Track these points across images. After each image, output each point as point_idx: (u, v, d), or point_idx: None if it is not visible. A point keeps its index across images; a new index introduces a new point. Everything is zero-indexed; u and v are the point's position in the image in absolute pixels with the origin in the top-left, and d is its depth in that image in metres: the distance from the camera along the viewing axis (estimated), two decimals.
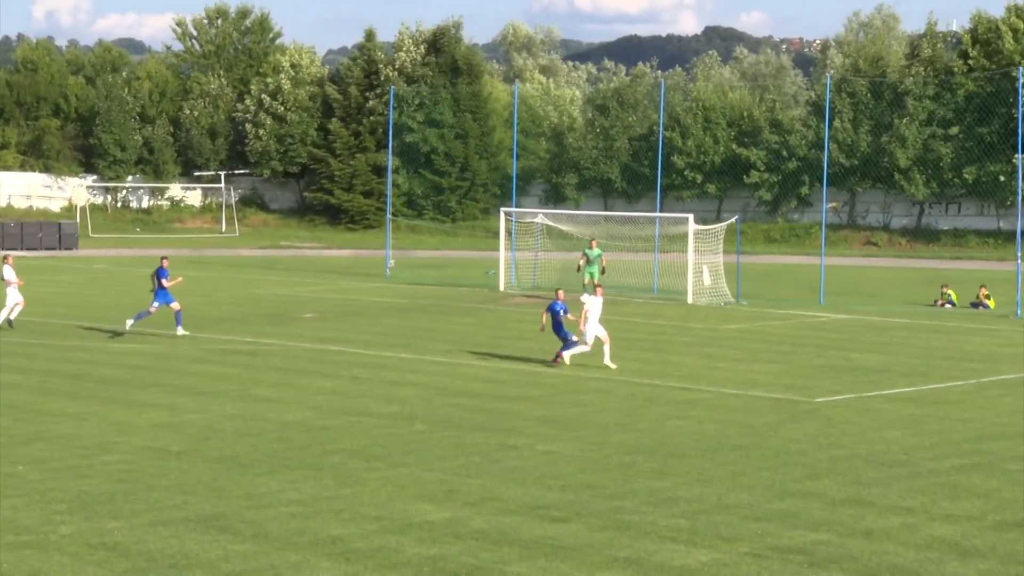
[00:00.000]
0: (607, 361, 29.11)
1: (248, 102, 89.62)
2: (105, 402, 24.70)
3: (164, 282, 33.98)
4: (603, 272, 45.15)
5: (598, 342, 29.34)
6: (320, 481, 18.43)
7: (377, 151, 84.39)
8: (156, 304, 34.16)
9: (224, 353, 31.56)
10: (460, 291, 48.46)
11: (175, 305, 34.22)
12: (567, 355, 29.47)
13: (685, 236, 46.65)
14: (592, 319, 29.21)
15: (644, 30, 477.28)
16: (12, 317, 35.66)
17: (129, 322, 34.10)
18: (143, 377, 27.67)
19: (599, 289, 30.41)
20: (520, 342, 34.09)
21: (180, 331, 34.03)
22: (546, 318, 29.97)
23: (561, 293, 30.51)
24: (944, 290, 45.72)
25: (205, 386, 26.48)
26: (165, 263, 34.78)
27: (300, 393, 25.79)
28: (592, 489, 18.07)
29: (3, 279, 36.37)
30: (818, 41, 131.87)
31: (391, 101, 65.73)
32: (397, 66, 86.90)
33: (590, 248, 45.60)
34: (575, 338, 29.42)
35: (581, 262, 45.46)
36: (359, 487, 18.13)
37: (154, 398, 25.09)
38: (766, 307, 44.00)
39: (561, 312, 29.67)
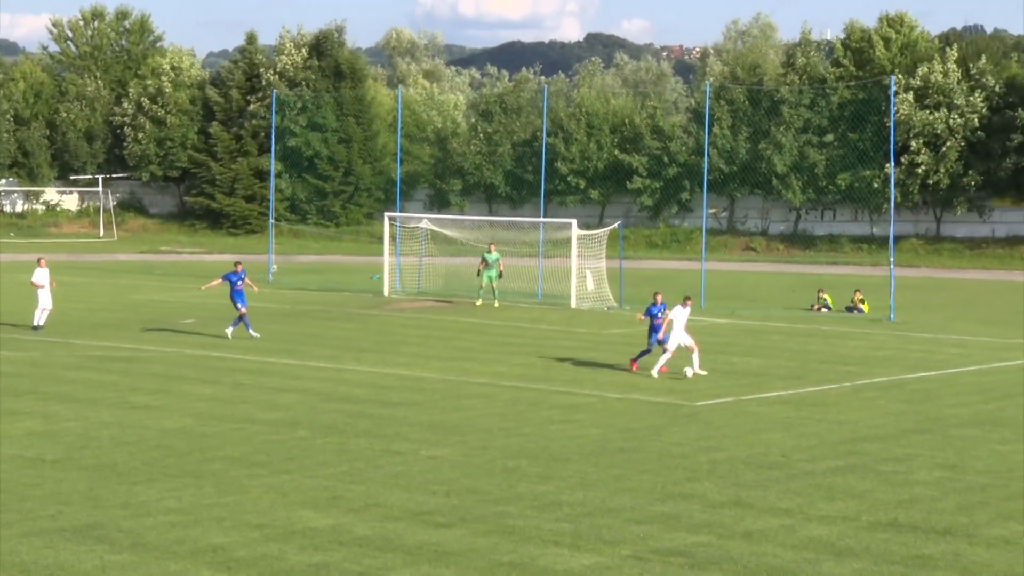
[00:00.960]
0: (697, 369, 28.91)
1: (127, 105, 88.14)
2: None
3: (240, 284, 35.69)
4: (500, 276, 45.37)
5: (677, 350, 29.14)
6: (201, 489, 18.20)
7: (259, 155, 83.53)
8: (241, 305, 35.39)
9: (101, 360, 31.00)
10: (344, 296, 48.20)
11: (243, 308, 35.53)
12: (655, 370, 29.04)
13: (569, 241, 46.96)
14: (678, 327, 29.23)
15: (527, 36, 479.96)
16: (40, 322, 36.73)
17: (229, 330, 35.30)
18: (16, 385, 27.05)
19: (688, 300, 30.20)
20: (404, 347, 34.02)
21: (253, 334, 35.32)
22: (643, 320, 29.96)
23: (659, 296, 30.31)
24: (820, 294, 46.62)
25: (81, 393, 25.99)
26: (239, 267, 36.40)
27: (180, 400, 25.44)
28: (476, 494, 18.10)
29: (33, 282, 37.41)
30: (698, 49, 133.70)
31: (273, 105, 65.15)
32: (279, 69, 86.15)
33: (489, 252, 45.66)
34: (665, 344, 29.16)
35: (480, 266, 45.61)
36: (241, 494, 17.94)
37: (28, 406, 24.55)
38: None
39: (659, 314, 29.54)
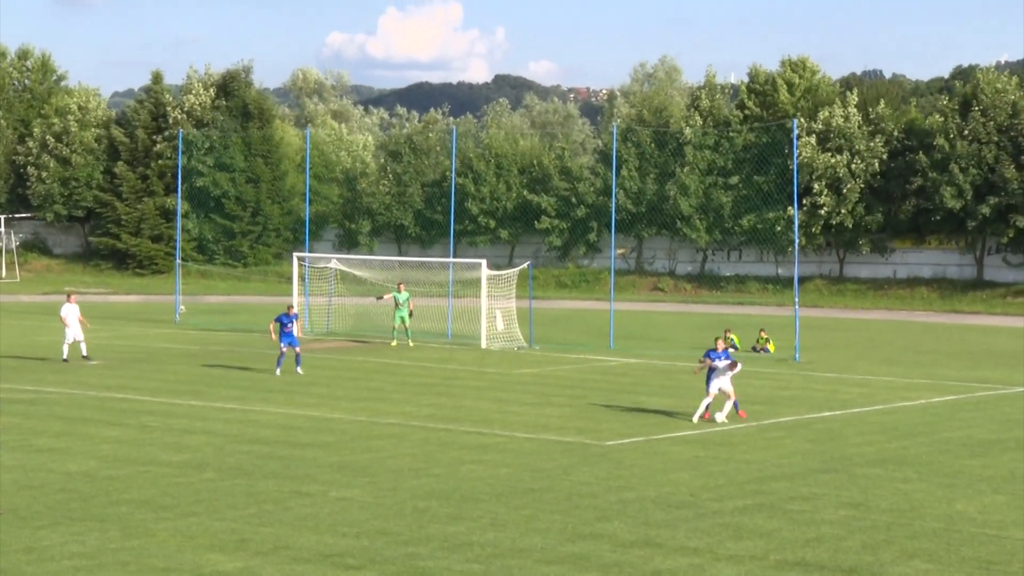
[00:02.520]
0: (723, 416, 28.64)
1: (30, 144, 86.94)
2: None
3: (291, 326, 37.05)
4: (411, 315, 45.34)
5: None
6: (106, 533, 17.91)
7: (166, 195, 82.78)
8: (286, 345, 36.73)
9: (3, 403, 30.39)
10: (252, 337, 47.79)
11: (298, 348, 37.10)
12: (719, 416, 28.83)
13: (478, 281, 47.06)
14: (723, 374, 29.02)
15: (435, 77, 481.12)
16: (66, 357, 39.07)
17: (277, 371, 36.53)
18: None
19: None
20: (313, 388, 33.80)
21: (299, 371, 36.78)
22: (704, 365, 29.17)
23: (720, 343, 29.80)
24: (727, 334, 47.10)
25: None
26: (292, 311, 37.94)
27: (85, 442, 25.03)
28: (386, 535, 18.01)
29: (60, 316, 39.97)
30: (605, 91, 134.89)
31: (180, 144, 64.65)
32: (186, 109, 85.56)
33: (398, 292, 45.66)
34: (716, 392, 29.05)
35: (385, 297, 45.88)
36: (147, 538, 17.68)
37: None
38: (558, 351, 44.65)
39: (720, 361, 28.87)
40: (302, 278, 51.59)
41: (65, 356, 39.25)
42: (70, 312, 39.70)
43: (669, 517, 19.39)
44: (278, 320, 37.23)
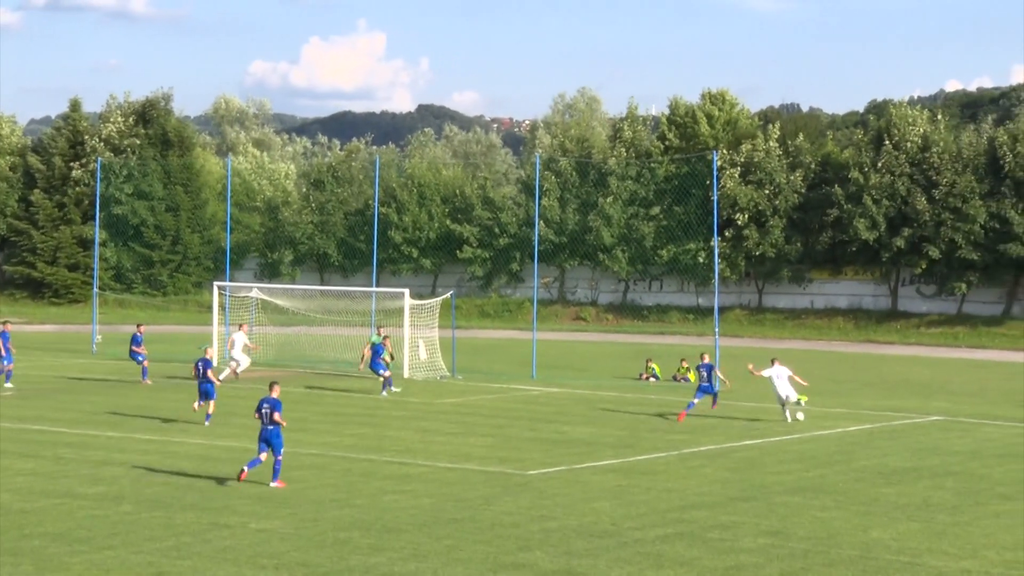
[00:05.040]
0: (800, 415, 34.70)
1: None
2: None
3: (384, 356, 40.57)
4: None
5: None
6: (19, 567, 17.60)
7: (83, 223, 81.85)
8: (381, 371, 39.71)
9: None
10: (172, 366, 47.27)
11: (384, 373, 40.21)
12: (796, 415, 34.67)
13: (402, 310, 46.94)
14: (784, 382, 34.42)
15: (359, 106, 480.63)
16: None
17: (383, 393, 39.54)
18: None
19: (776, 360, 35.32)
20: (234, 418, 33.48)
21: (395, 389, 40.26)
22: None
23: (707, 357, 36.55)
24: (648, 364, 47.44)
25: None
26: (387, 340, 41.22)
27: None
28: (307, 567, 17.88)
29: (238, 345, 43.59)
30: (527, 121, 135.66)
31: (98, 172, 63.98)
32: (104, 136, 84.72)
33: (377, 336, 42.28)
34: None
35: (366, 353, 41.41)
36: (62, 572, 17.40)
37: None
38: (481, 381, 44.64)
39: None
40: (223, 307, 51.15)
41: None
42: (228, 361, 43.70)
43: (591, 546, 19.44)
44: (373, 348, 40.18)
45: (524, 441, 30.52)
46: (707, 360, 36.28)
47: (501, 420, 34.44)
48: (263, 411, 24.17)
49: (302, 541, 19.46)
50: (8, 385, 39.85)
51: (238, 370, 43.44)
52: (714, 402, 36.72)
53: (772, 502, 23.13)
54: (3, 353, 40.20)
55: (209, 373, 33.03)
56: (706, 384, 35.47)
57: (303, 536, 19.81)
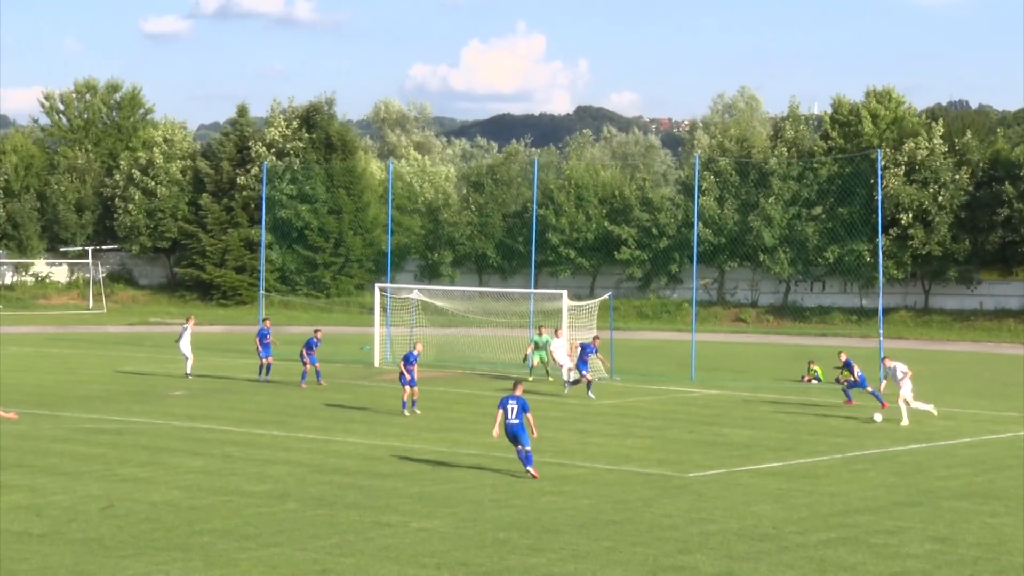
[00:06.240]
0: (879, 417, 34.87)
1: (117, 176, 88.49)
2: None
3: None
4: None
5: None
6: (189, 563, 18.07)
7: (250, 226, 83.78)
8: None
9: (89, 432, 30.84)
10: (335, 367, 48.08)
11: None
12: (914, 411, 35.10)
13: (559, 312, 46.97)
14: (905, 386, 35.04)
15: (517, 108, 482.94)
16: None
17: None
18: (2, 458, 26.85)
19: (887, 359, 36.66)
20: (395, 418, 33.92)
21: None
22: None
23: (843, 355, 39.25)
24: (811, 366, 46.63)
25: (69, 466, 25.83)
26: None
27: (168, 472, 25.30)
28: (466, 567, 17.99)
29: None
30: (686, 122, 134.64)
31: (264, 175, 65.43)
32: (268, 141, 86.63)
33: (539, 335, 44.38)
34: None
35: (528, 350, 44.43)
36: (229, 568, 17.80)
37: (14, 479, 24.37)
38: (639, 382, 44.44)
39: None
40: (384, 308, 51.86)
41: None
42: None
43: (752, 550, 19.18)
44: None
45: (683, 443, 30.28)
46: (844, 358, 39.20)
47: (659, 422, 34.23)
48: (507, 407, 25.05)
49: (462, 541, 19.60)
50: (264, 377, 43.45)
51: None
52: (849, 397, 38.78)
53: (939, 507, 22.54)
54: (260, 349, 43.86)
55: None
56: (859, 379, 38.16)
57: (463, 536, 19.94)
